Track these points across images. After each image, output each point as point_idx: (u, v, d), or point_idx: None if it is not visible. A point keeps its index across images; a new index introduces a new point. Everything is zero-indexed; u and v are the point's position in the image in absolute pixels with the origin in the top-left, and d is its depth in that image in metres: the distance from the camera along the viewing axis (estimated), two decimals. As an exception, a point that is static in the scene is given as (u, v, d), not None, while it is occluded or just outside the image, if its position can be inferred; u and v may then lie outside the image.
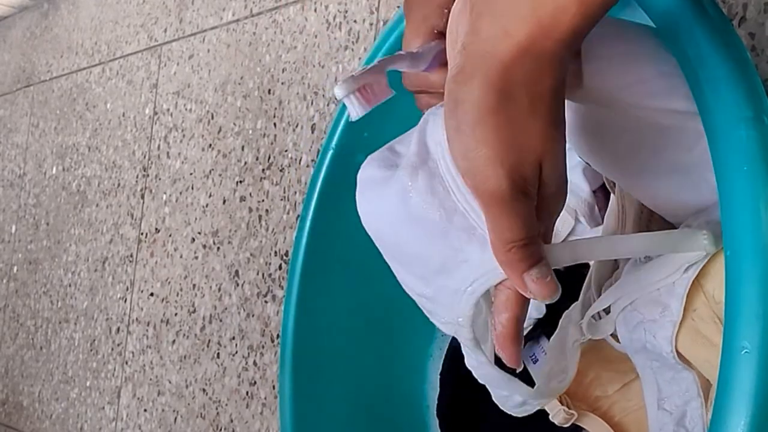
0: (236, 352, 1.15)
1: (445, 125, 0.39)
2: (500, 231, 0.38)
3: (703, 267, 0.47)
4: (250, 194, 1.18)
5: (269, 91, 1.19)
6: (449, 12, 0.43)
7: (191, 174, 1.32)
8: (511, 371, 0.43)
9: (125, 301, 1.43)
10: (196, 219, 1.29)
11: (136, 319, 1.39)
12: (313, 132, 1.10)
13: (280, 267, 1.11)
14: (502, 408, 0.47)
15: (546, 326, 0.67)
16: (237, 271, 1.18)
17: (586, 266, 0.60)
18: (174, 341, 1.29)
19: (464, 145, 0.37)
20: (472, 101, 0.37)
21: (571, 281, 0.60)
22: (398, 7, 0.91)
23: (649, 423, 0.52)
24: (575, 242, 0.41)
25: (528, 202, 0.38)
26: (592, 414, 0.62)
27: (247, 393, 1.12)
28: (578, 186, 0.68)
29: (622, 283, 0.51)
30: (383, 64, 0.44)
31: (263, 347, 1.11)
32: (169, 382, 1.27)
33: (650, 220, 0.57)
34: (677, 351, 0.49)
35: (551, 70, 0.37)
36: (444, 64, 0.45)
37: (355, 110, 0.44)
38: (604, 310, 0.53)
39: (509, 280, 0.39)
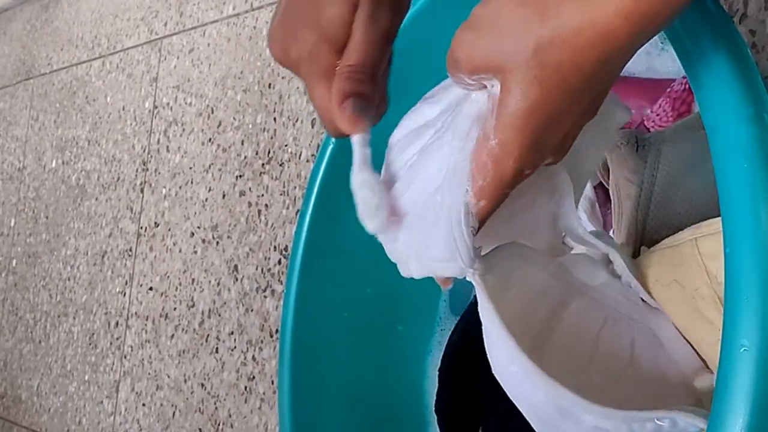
0: (235, 347, 1.15)
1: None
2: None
3: (709, 246, 0.47)
4: (250, 189, 1.18)
5: (269, 85, 1.19)
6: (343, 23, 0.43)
7: (191, 168, 1.32)
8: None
9: (124, 295, 1.43)
10: (195, 213, 1.29)
11: (135, 313, 1.39)
12: (313, 127, 1.10)
13: (279, 262, 1.11)
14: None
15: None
16: (236, 266, 1.18)
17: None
18: (173, 336, 1.29)
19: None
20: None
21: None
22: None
23: None
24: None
25: None
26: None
27: (245, 388, 1.12)
28: (578, 182, 0.68)
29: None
30: (371, 173, 0.44)
31: (262, 342, 1.11)
32: (168, 377, 1.28)
33: (645, 221, 0.58)
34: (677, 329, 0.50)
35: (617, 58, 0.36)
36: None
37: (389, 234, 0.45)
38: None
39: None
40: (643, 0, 0.33)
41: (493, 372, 0.46)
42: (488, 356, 0.46)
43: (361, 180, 0.43)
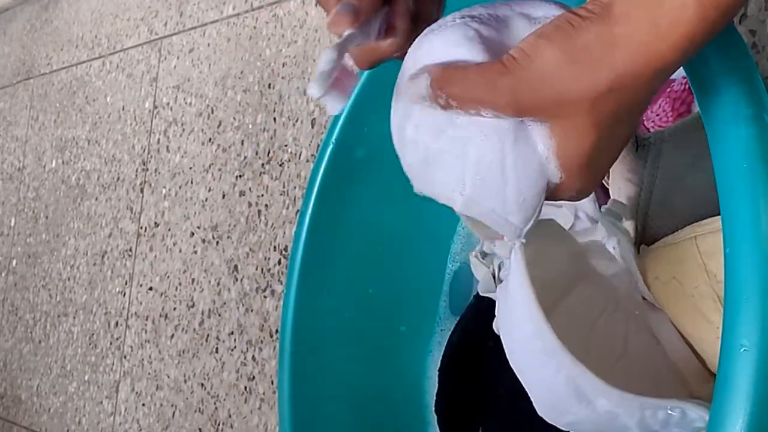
0: (235, 347, 1.15)
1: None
2: None
3: (709, 245, 0.47)
4: (250, 189, 1.18)
5: (269, 85, 1.19)
6: None
7: (191, 168, 1.32)
8: None
9: (124, 295, 1.43)
10: (195, 213, 1.29)
11: (135, 313, 1.39)
12: (313, 127, 1.10)
13: (279, 262, 1.11)
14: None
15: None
16: (236, 266, 1.18)
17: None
18: (173, 336, 1.29)
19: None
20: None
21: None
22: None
23: None
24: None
25: None
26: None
27: (245, 388, 1.12)
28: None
29: None
30: (340, 48, 0.42)
31: (262, 342, 1.11)
32: (168, 377, 1.28)
33: (645, 220, 0.58)
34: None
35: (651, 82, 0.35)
36: (390, 27, 0.45)
37: (334, 105, 0.43)
38: None
39: None
40: (698, 29, 0.33)
41: (507, 347, 0.46)
42: (504, 330, 0.46)
43: (324, 54, 0.42)
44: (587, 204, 0.68)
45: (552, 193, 0.39)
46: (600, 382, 0.42)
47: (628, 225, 0.60)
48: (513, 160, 0.38)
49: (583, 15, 0.35)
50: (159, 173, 1.39)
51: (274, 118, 1.16)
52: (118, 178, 1.50)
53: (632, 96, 0.35)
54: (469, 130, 0.38)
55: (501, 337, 0.46)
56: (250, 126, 1.21)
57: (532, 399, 0.46)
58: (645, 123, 0.68)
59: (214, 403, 1.17)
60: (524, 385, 0.46)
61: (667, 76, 0.35)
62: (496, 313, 0.46)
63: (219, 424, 1.15)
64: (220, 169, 1.25)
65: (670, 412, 0.43)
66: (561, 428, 0.50)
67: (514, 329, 0.45)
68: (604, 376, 0.46)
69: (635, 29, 0.33)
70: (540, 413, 0.47)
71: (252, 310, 1.14)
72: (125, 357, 1.39)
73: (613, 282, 0.55)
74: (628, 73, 0.34)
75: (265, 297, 1.12)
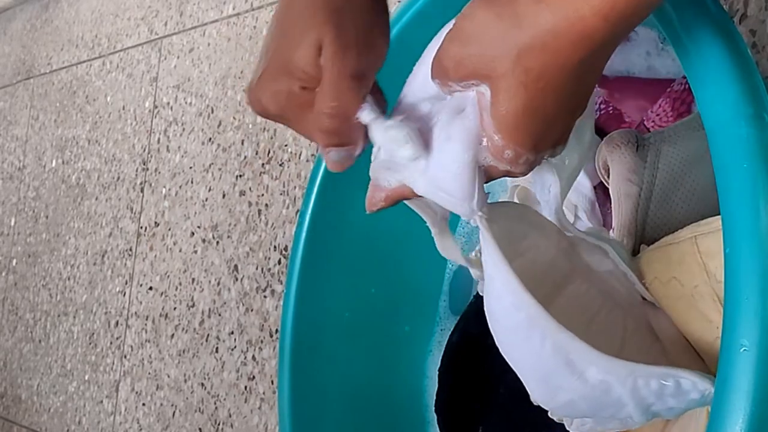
0: (235, 347, 1.15)
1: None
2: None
3: (708, 245, 0.47)
4: (250, 188, 1.18)
5: (269, 85, 1.19)
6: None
7: (191, 168, 1.32)
8: None
9: (124, 294, 1.43)
10: (195, 213, 1.29)
11: (135, 312, 1.39)
12: (313, 127, 1.10)
13: (279, 262, 1.11)
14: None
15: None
16: (236, 266, 1.18)
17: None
18: (173, 335, 1.29)
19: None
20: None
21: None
22: (398, 0, 0.91)
23: None
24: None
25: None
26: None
27: (245, 388, 1.12)
28: (579, 181, 0.68)
29: None
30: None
31: (262, 342, 1.11)
32: (168, 377, 1.28)
33: (645, 220, 0.58)
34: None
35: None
36: None
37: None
38: None
39: None
40: None
41: (494, 332, 0.46)
42: (489, 314, 0.45)
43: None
44: (586, 204, 0.68)
45: (494, 157, 0.40)
46: (587, 347, 0.42)
47: (629, 226, 0.60)
48: (447, 133, 0.41)
49: None
50: (159, 173, 1.39)
51: (274, 118, 1.16)
52: (119, 178, 1.50)
53: (556, 57, 0.36)
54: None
55: (490, 327, 0.46)
56: (250, 126, 1.21)
57: (524, 384, 0.46)
58: (645, 123, 0.68)
59: (214, 403, 1.17)
60: (515, 369, 0.46)
61: (600, 49, 0.36)
62: (484, 307, 0.46)
63: (219, 424, 1.15)
64: (220, 169, 1.25)
65: (663, 382, 0.42)
66: (558, 419, 0.50)
67: (496, 309, 0.45)
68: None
69: None
70: (534, 399, 0.47)
71: (252, 310, 1.14)
72: (125, 357, 1.39)
73: (608, 278, 0.55)
74: (549, 30, 0.35)
75: (265, 297, 1.12)
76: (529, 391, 0.46)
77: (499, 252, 0.43)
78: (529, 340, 0.43)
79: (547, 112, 0.38)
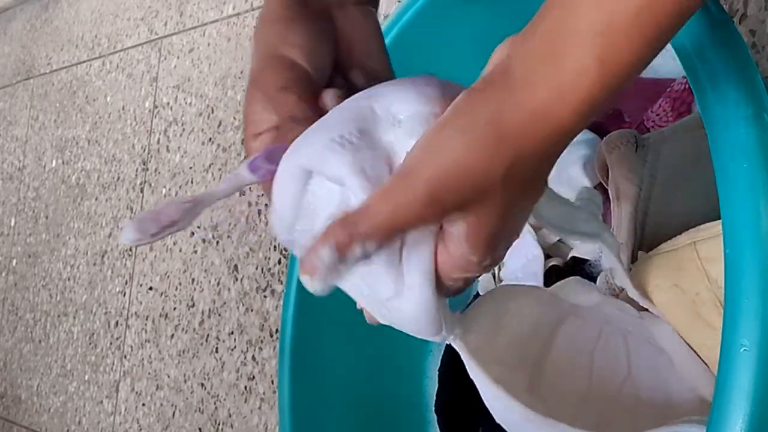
0: (235, 347, 1.15)
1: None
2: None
3: (708, 250, 0.47)
4: (250, 188, 1.18)
5: (269, 85, 1.19)
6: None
7: (191, 168, 1.32)
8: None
9: (124, 295, 1.43)
10: (195, 213, 1.29)
11: (135, 313, 1.39)
12: (313, 127, 1.10)
13: (279, 262, 1.11)
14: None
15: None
16: (236, 266, 1.18)
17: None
18: (173, 335, 1.29)
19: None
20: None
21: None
22: (399, 0, 0.91)
23: None
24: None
25: None
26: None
27: (245, 388, 1.12)
28: (578, 181, 0.68)
29: None
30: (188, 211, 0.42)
31: (262, 342, 1.11)
32: (168, 377, 1.28)
33: (644, 220, 0.58)
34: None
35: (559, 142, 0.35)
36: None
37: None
38: None
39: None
40: (597, 94, 0.32)
41: (495, 419, 0.47)
42: (487, 405, 0.46)
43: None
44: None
45: (460, 272, 0.38)
46: None
47: (629, 226, 0.60)
48: (407, 265, 0.37)
49: (480, 88, 0.34)
50: (159, 173, 1.39)
51: (274, 118, 1.16)
52: (118, 178, 1.50)
53: (536, 162, 0.34)
54: (371, 266, 0.37)
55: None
56: (250, 126, 1.21)
57: None
58: (645, 123, 0.68)
59: (214, 403, 1.17)
60: None
61: (565, 142, 0.35)
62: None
63: (219, 424, 1.15)
64: (220, 169, 1.25)
65: None
66: None
67: (489, 405, 0.46)
68: (611, 404, 0.46)
69: (537, 94, 0.33)
70: None
71: (252, 310, 1.14)
72: (125, 357, 1.39)
73: (600, 308, 0.54)
74: (529, 137, 0.33)
75: (265, 297, 1.12)
76: None
77: (480, 369, 0.43)
78: (527, 428, 0.44)
79: (519, 215, 0.37)
